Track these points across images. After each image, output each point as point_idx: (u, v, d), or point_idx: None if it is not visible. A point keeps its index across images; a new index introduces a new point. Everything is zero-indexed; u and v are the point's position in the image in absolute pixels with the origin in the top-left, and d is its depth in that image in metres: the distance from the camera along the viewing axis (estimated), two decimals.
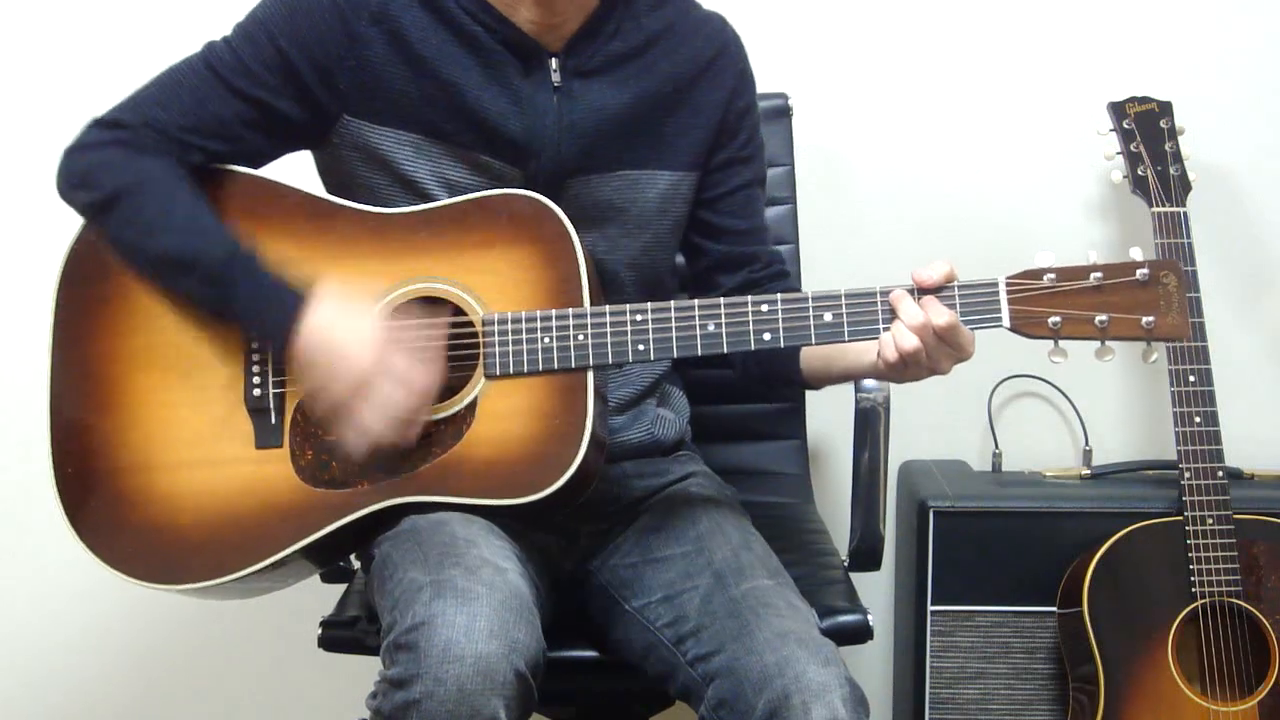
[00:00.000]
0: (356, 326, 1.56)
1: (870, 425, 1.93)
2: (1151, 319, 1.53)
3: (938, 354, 1.55)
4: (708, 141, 1.76)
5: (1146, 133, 2.20)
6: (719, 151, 1.78)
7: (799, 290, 1.83)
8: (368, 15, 1.64)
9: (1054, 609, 2.17)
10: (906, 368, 1.55)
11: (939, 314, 1.53)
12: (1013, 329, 1.54)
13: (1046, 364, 1.57)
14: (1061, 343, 1.55)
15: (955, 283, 1.55)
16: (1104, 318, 1.53)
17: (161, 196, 1.60)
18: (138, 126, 1.63)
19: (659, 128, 1.73)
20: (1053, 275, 1.53)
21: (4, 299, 2.43)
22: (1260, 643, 2.08)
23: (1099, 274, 1.53)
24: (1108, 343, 1.54)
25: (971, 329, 1.55)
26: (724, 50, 1.77)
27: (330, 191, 1.74)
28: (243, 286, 1.57)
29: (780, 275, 1.84)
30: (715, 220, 1.81)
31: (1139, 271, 1.53)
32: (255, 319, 1.59)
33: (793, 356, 1.75)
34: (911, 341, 1.53)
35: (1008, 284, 1.54)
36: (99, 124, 1.65)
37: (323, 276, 1.59)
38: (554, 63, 1.67)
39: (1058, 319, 1.53)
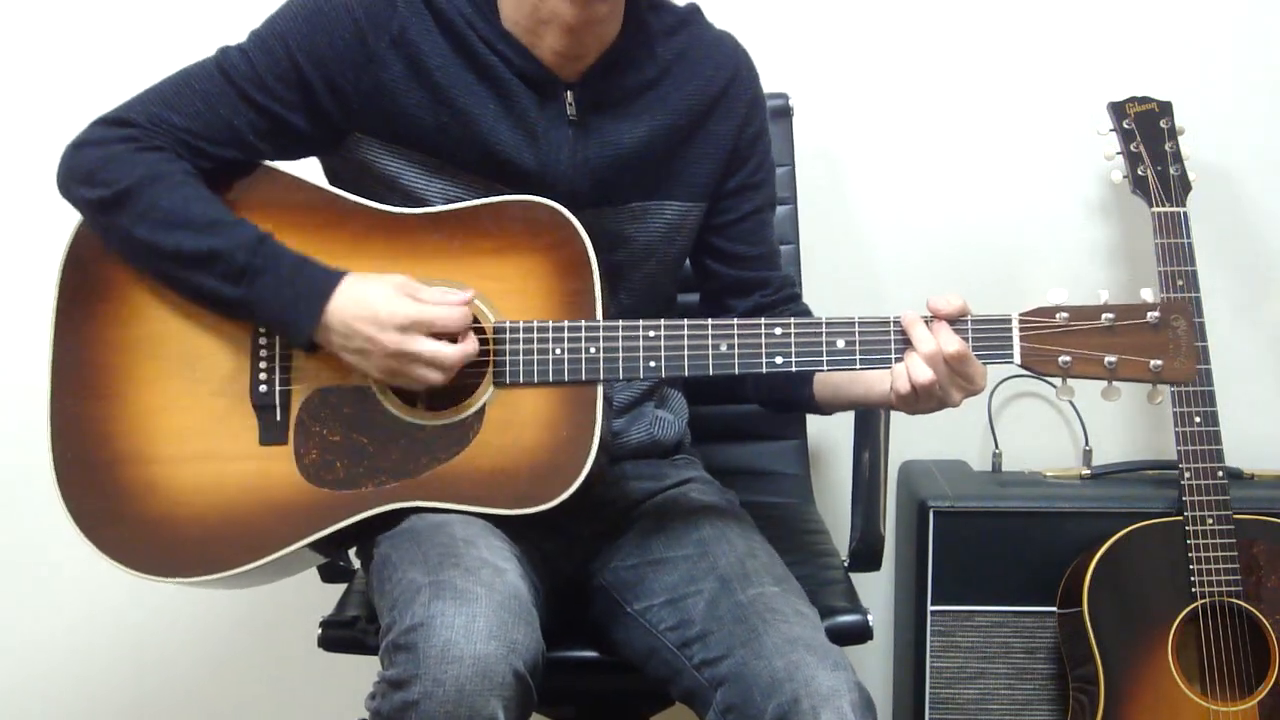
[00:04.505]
0: (387, 279, 1.57)
1: (870, 425, 1.94)
2: (1160, 362, 1.54)
3: (949, 385, 1.55)
4: (718, 171, 1.76)
5: (1146, 133, 2.20)
6: (730, 179, 1.78)
7: (810, 314, 1.84)
8: (388, 38, 1.63)
9: (1054, 609, 2.17)
10: (918, 399, 1.56)
11: (949, 341, 1.53)
12: (1023, 365, 1.56)
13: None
14: (1069, 381, 1.56)
15: (968, 316, 1.55)
16: (1113, 359, 1.54)
17: (176, 191, 1.59)
18: (146, 125, 1.62)
19: (670, 159, 1.73)
20: (1065, 314, 1.55)
21: (4, 284, 2.43)
22: (1260, 643, 2.08)
23: (1110, 315, 1.54)
24: (1115, 383, 1.56)
25: (983, 363, 1.56)
26: (735, 77, 1.76)
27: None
28: (269, 275, 1.56)
29: (791, 299, 1.84)
30: (726, 246, 1.81)
31: (1150, 314, 1.54)
32: (280, 305, 1.57)
33: (805, 382, 1.75)
34: (925, 374, 1.53)
35: (1020, 320, 1.55)
36: (105, 121, 1.64)
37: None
38: (569, 95, 1.67)
39: (1068, 358, 1.54)
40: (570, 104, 1.67)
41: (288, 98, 1.63)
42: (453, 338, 1.55)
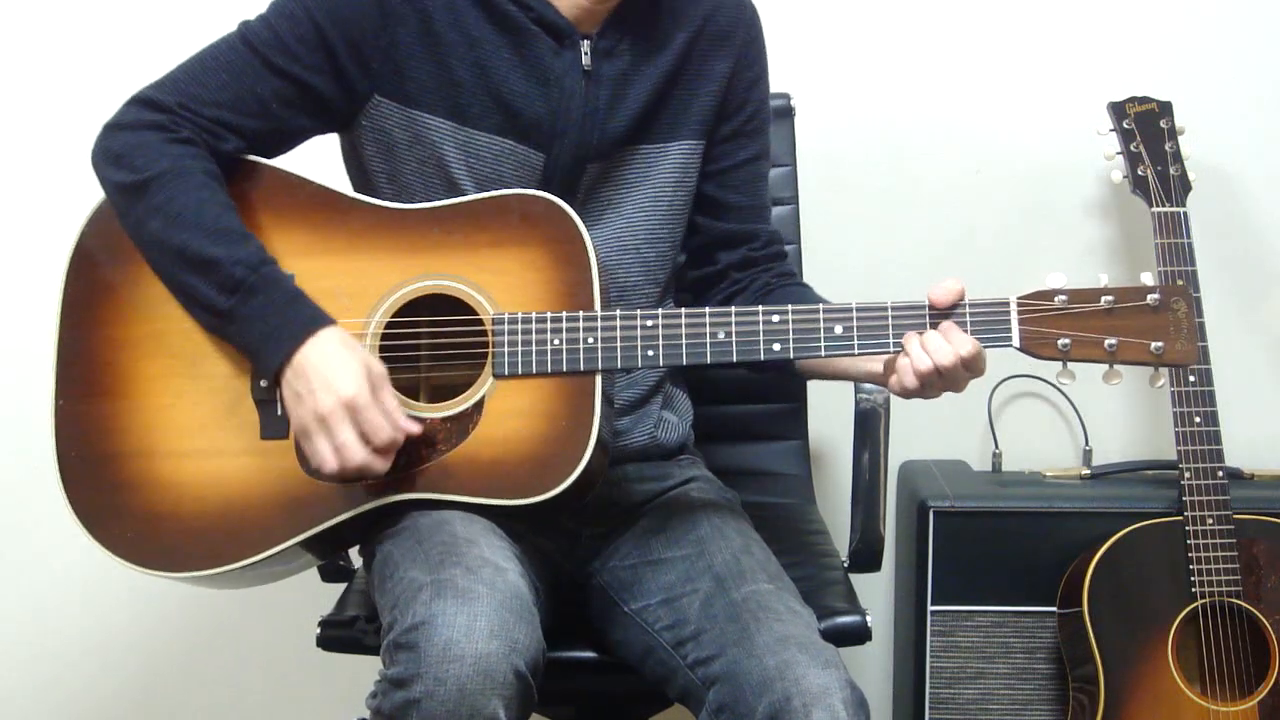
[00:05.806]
0: (365, 358, 1.55)
1: (870, 426, 1.93)
2: (1161, 345, 1.53)
3: (956, 376, 1.54)
4: (713, 109, 1.76)
5: (1146, 133, 2.20)
6: (725, 122, 1.78)
7: (795, 273, 1.84)
8: None
9: (1054, 609, 2.18)
10: (922, 389, 1.55)
11: (964, 344, 1.52)
12: (1022, 349, 1.54)
13: (1047, 364, 1.57)
14: (1070, 364, 1.55)
15: (966, 301, 1.55)
16: (1113, 341, 1.53)
17: (194, 191, 1.60)
18: (175, 109, 1.63)
19: (672, 101, 1.73)
20: (1064, 297, 1.53)
21: (10, 280, 2.43)
22: (1260, 643, 2.08)
23: (1110, 297, 1.53)
24: (1116, 366, 1.55)
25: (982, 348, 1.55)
26: (738, 20, 1.76)
27: (352, 177, 1.76)
28: (261, 296, 1.56)
29: (778, 256, 1.84)
30: (720, 195, 1.80)
31: (1150, 296, 1.53)
32: (261, 330, 1.56)
33: None
34: (927, 364, 1.52)
35: (1019, 304, 1.54)
36: (137, 102, 1.65)
37: (334, 272, 1.61)
38: (586, 45, 1.68)
39: (1067, 341, 1.53)
40: (586, 53, 1.68)
41: (310, 60, 1.64)
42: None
